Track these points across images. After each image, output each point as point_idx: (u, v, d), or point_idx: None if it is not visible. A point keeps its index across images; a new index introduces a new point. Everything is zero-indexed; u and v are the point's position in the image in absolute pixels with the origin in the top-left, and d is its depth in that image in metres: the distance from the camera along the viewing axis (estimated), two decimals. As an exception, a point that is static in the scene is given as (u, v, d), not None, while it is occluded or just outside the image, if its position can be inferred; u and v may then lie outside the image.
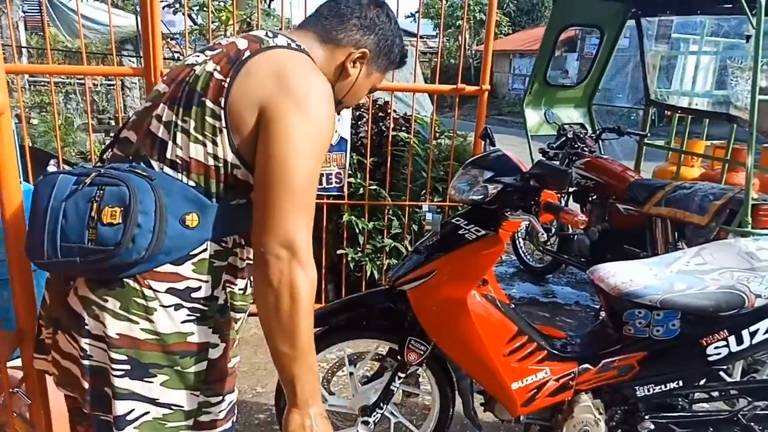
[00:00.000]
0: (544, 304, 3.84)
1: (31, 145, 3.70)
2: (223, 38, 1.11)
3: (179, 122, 1.00)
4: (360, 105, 3.74)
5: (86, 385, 1.04)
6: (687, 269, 1.87)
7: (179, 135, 1.00)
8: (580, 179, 3.64)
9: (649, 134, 4.25)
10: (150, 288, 1.00)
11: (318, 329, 1.94)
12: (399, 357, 1.86)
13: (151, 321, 1.00)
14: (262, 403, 2.44)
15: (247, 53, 1.03)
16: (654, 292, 1.77)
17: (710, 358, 1.81)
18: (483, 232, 1.73)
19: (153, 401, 1.04)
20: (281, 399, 1.98)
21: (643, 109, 4.58)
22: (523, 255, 4.34)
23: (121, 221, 0.94)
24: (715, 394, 1.99)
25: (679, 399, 1.94)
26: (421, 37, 3.80)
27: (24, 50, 11.18)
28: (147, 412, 1.04)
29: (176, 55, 9.51)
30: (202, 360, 1.06)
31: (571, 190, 3.80)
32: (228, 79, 1.00)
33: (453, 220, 1.84)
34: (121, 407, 1.03)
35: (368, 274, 3.33)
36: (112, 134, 7.74)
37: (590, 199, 3.67)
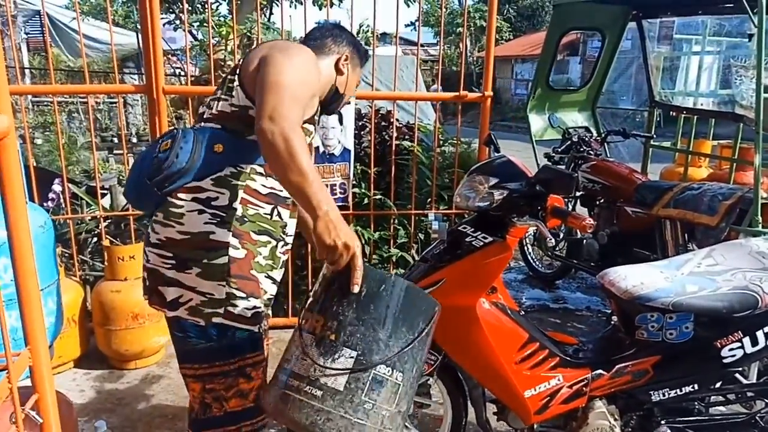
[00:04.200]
0: (555, 310, 3.81)
1: (35, 164, 3.72)
2: None
3: (218, 93, 1.45)
4: (362, 115, 3.75)
5: (147, 283, 1.44)
6: (698, 271, 1.85)
7: (213, 103, 1.43)
8: (586, 183, 3.62)
9: (654, 136, 4.23)
10: (180, 199, 1.37)
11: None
12: (409, 367, 1.84)
13: (182, 224, 1.36)
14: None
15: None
16: (666, 295, 1.75)
17: (725, 360, 1.78)
18: (490, 238, 1.72)
19: (193, 289, 1.36)
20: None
21: (648, 111, 4.56)
22: (532, 261, 4.31)
23: (170, 147, 1.37)
24: (732, 396, 1.96)
25: (695, 402, 1.91)
26: (421, 46, 3.80)
27: (27, 71, 11.29)
28: (191, 299, 1.37)
29: (177, 71, 9.59)
30: (223, 255, 1.36)
31: (578, 194, 3.78)
32: (241, 59, 1.43)
33: (459, 228, 1.82)
34: (171, 293, 1.39)
35: (376, 284, 3.31)
36: (115, 152, 7.71)
37: (598, 202, 3.65)
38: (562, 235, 3.91)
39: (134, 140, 8.24)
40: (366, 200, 3.29)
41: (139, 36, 3.49)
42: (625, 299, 1.80)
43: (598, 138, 3.95)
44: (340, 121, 3.23)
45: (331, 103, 1.61)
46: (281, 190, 1.43)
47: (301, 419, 1.15)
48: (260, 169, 1.41)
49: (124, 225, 3.56)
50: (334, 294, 1.18)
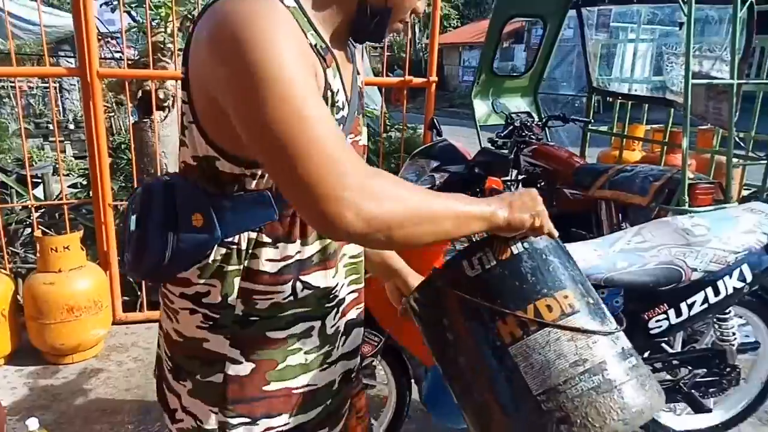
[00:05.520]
0: (499, 290, 3.90)
1: (-40, 152, 3.51)
2: None
3: (179, 133, 0.97)
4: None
5: (156, 372, 1.07)
6: (628, 248, 1.93)
7: (179, 143, 0.96)
8: (528, 166, 3.71)
9: (592, 120, 4.38)
10: (169, 291, 0.97)
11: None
12: (353, 349, 1.85)
13: (178, 321, 0.97)
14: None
15: (194, 26, 0.87)
16: (598, 272, 1.82)
17: (652, 332, 1.88)
18: (430, 220, 1.74)
19: (185, 409, 0.99)
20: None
21: (587, 97, 4.71)
22: (477, 243, 4.40)
23: (136, 227, 0.94)
24: (658, 365, 2.07)
25: (626, 373, 2.00)
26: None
27: (-48, 54, 10.56)
28: (182, 420, 1.00)
29: (119, 55, 9.17)
30: (216, 372, 0.94)
31: (520, 177, 3.88)
32: (184, 68, 0.88)
33: (401, 210, 1.84)
34: (171, 401, 1.02)
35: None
36: (50, 139, 7.36)
37: (539, 185, 3.75)
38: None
39: (71, 126, 7.88)
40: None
41: (70, 16, 3.31)
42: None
43: (540, 123, 4.05)
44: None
45: (370, 25, 0.90)
46: (298, 253, 0.93)
47: (653, 393, 0.87)
48: (264, 237, 0.91)
49: (59, 215, 3.42)
50: (551, 263, 0.91)
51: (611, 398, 0.82)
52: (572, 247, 1.94)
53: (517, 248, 0.89)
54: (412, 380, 2.00)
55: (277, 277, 0.92)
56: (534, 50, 4.77)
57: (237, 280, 0.91)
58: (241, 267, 0.91)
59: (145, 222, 0.92)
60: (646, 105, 4.61)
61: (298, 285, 0.94)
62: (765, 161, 3.91)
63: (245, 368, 0.94)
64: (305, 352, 0.97)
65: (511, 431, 0.87)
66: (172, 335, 0.98)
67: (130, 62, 4.49)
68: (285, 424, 0.98)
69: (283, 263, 0.92)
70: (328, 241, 0.95)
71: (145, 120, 3.60)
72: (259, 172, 0.87)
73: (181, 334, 0.96)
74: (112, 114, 6.58)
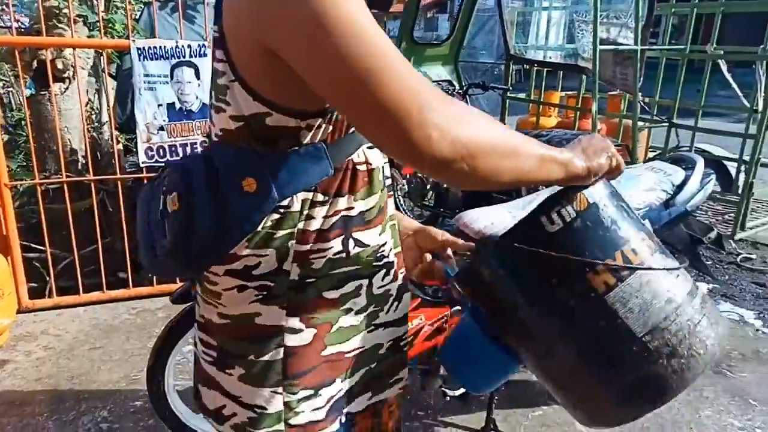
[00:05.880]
0: (425, 257, 3.97)
1: None
2: None
3: (212, 95, 0.88)
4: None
5: (194, 374, 1.01)
6: (540, 208, 2.00)
7: (213, 114, 0.89)
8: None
9: (510, 88, 4.48)
10: (212, 273, 0.89)
11: (185, 308, 1.85)
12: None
13: (223, 305, 0.90)
14: (138, 390, 2.30)
15: None
16: (512, 233, 1.88)
17: (564, 288, 1.97)
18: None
19: (236, 399, 0.92)
20: (152, 383, 1.88)
21: (504, 64, 4.80)
22: (403, 212, 4.45)
23: (179, 207, 0.84)
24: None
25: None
26: None
27: None
28: (235, 414, 0.93)
29: (15, 24, 8.40)
30: (276, 347, 0.89)
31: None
32: (216, 27, 0.81)
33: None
34: (210, 399, 0.95)
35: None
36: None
37: (460, 152, 3.81)
38: (429, 186, 4.07)
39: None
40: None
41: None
42: (478, 239, 1.91)
43: (460, 91, 4.10)
44: (197, 75, 3.04)
45: None
46: (348, 209, 0.88)
47: (724, 318, 0.93)
48: (319, 196, 0.86)
49: (-51, 198, 3.11)
50: (623, 207, 0.90)
51: (704, 326, 0.87)
52: (486, 211, 1.99)
53: (591, 197, 0.87)
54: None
55: (327, 233, 0.87)
56: (455, 19, 4.79)
57: (292, 243, 0.86)
58: (295, 230, 0.85)
59: (187, 198, 0.84)
60: (561, 72, 4.77)
61: (350, 242, 0.90)
62: (667, 124, 4.16)
63: (307, 336, 0.89)
64: (355, 313, 0.93)
65: (617, 380, 0.87)
66: (216, 320, 0.91)
67: (21, 30, 4.12)
68: (339, 390, 0.95)
69: (333, 218, 0.87)
70: (377, 196, 0.92)
71: (42, 92, 3.32)
72: (316, 123, 0.82)
73: (226, 315, 0.90)
74: (11, 88, 6.05)
